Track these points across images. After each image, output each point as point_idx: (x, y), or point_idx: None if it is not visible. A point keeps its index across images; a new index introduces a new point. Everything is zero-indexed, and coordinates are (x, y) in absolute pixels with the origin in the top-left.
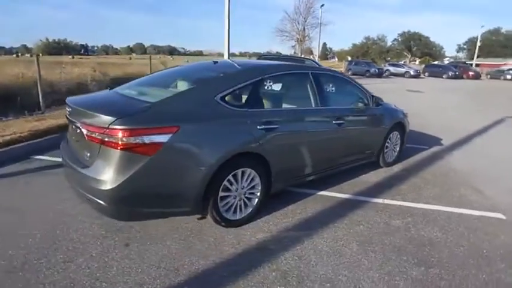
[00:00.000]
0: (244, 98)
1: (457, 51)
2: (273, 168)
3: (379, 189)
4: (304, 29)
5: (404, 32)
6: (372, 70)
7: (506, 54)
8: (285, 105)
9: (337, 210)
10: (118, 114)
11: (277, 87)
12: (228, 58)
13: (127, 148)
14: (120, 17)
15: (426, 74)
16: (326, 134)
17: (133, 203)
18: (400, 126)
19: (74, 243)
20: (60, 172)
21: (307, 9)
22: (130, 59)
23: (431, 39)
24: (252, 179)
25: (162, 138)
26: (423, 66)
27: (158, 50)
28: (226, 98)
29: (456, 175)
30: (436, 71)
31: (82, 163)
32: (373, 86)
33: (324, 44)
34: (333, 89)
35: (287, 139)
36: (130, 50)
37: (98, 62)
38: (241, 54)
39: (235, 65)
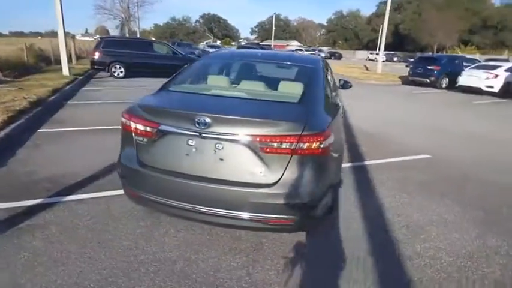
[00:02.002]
0: None
1: (251, 34)
2: None
3: (355, 154)
4: (128, 7)
5: (205, 14)
6: (197, 52)
7: (286, 37)
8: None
9: (362, 176)
10: (303, 120)
11: None
12: (64, 38)
13: (321, 153)
14: None
15: None
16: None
17: (319, 208)
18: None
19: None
20: (59, 216)
21: None
22: None
23: (229, 21)
24: None
25: (331, 139)
26: (236, 47)
27: None
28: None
29: (378, 136)
30: None
31: (249, 183)
32: None
33: (122, 24)
34: None
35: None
36: None
37: None
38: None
39: (287, 55)
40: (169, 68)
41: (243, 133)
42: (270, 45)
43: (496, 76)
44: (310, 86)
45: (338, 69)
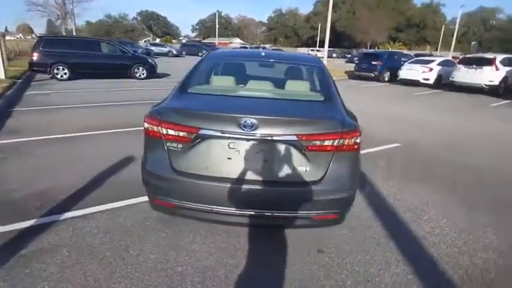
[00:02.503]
0: None
1: (192, 31)
2: None
3: None
4: (64, 3)
5: (142, 11)
6: (140, 51)
7: (228, 34)
8: None
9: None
10: (341, 118)
11: None
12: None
13: (357, 149)
14: None
15: (184, 52)
16: None
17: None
18: None
19: (303, 281)
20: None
21: None
22: None
23: (169, 19)
24: None
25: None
26: (180, 45)
27: None
28: None
29: None
30: (193, 50)
31: (295, 182)
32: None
33: (49, 20)
34: None
35: None
36: None
37: None
38: None
39: (291, 55)
40: (118, 68)
41: (289, 133)
42: (214, 43)
43: (431, 70)
44: (324, 84)
45: None
